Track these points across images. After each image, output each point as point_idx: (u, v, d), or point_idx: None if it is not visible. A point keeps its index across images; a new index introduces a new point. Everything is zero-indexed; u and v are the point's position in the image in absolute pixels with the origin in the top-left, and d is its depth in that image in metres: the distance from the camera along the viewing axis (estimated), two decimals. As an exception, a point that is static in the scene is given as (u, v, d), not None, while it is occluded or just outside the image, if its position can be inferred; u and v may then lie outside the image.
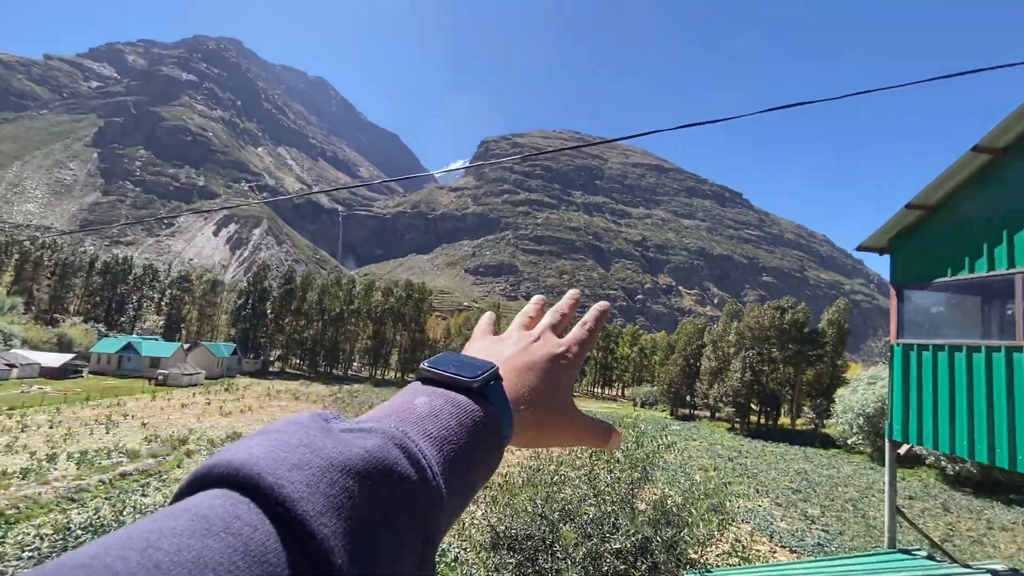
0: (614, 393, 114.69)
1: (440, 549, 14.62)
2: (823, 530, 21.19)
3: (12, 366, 50.80)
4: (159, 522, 0.27)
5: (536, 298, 0.80)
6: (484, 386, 0.48)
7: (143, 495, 19.11)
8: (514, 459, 29.45)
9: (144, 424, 33.24)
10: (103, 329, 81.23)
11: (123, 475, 21.58)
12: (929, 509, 27.25)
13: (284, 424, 0.35)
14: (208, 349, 71.62)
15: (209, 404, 44.58)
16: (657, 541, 8.15)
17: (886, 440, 9.02)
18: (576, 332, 0.71)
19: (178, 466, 23.85)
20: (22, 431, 28.36)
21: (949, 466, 33.95)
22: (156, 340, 72.92)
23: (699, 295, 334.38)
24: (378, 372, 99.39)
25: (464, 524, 10.18)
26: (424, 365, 0.51)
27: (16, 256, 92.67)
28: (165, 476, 22.02)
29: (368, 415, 0.41)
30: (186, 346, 73.73)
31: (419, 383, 0.49)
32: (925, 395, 8.21)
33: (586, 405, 79.71)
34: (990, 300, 8.20)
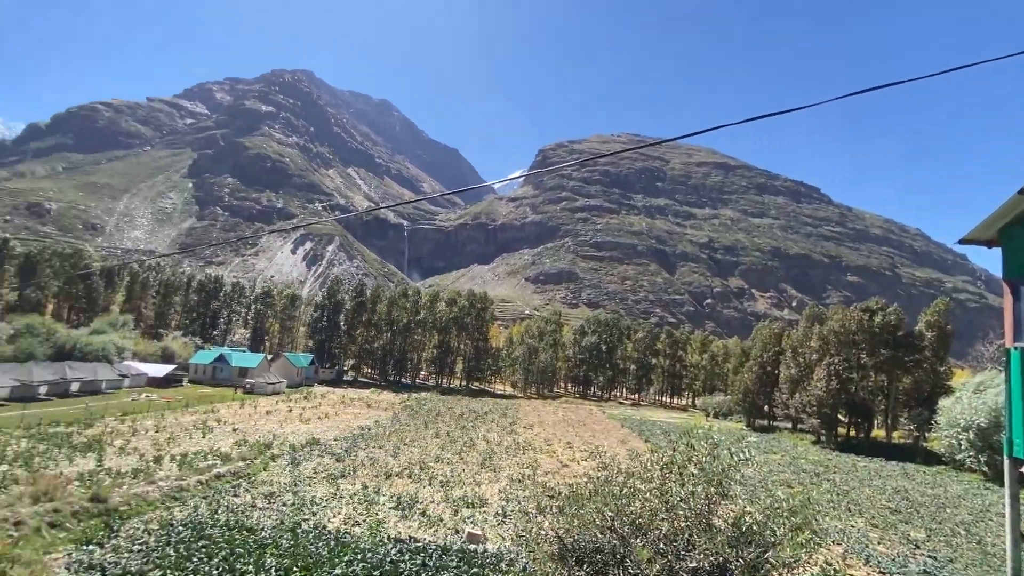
0: (683, 403, 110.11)
1: (508, 558, 14.59)
2: (930, 556, 19.05)
3: (124, 376, 56.84)
4: None
5: None
6: None
7: (234, 496, 20.60)
8: (581, 468, 28.87)
9: (235, 429, 35.94)
10: (199, 342, 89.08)
11: (217, 476, 23.38)
12: (1063, 537, 23.69)
13: None
14: (288, 360, 76.46)
15: (290, 411, 47.50)
16: (738, 562, 7.65)
17: (1005, 457, 7.97)
18: None
19: (264, 469, 25.51)
20: (133, 435, 31.56)
21: (1087, 488, 29.42)
22: (244, 351, 78.88)
23: (775, 298, 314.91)
24: (444, 380, 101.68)
25: (531, 533, 10.07)
26: None
27: (127, 278, 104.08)
28: (253, 478, 23.63)
29: None
30: (269, 357, 79.15)
31: None
32: (1054, 406, 7.18)
33: (654, 415, 77.23)
34: None
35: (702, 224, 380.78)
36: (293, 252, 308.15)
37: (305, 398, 59.72)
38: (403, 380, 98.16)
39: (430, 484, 24.49)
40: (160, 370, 62.42)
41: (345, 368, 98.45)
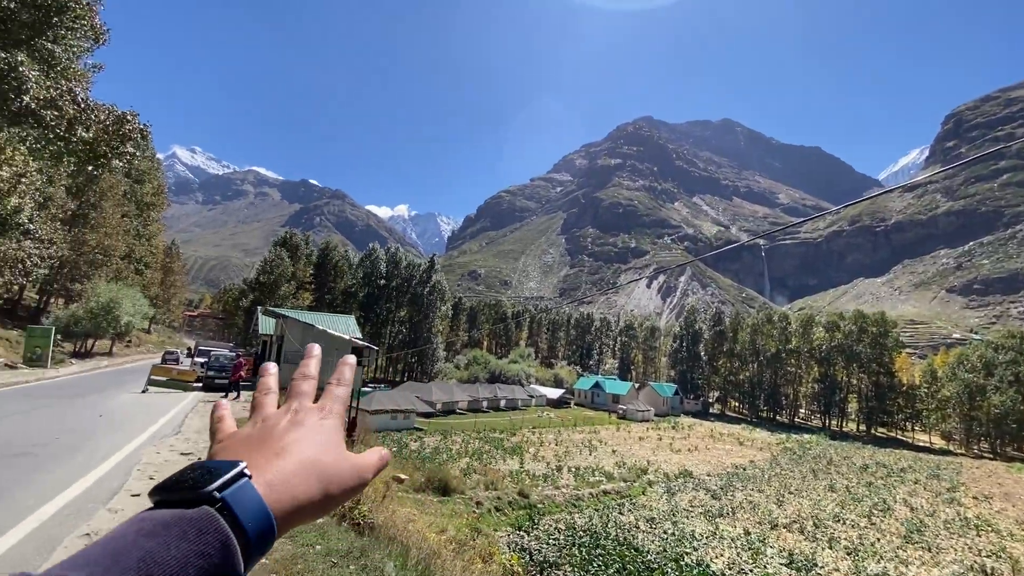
0: None
1: None
2: None
3: (532, 396, 71.59)
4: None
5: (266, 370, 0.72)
6: (213, 496, 0.41)
7: (620, 513, 22.38)
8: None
9: (613, 451, 39.59)
10: (579, 370, 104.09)
11: (604, 492, 26.05)
12: None
13: None
14: (654, 389, 79.86)
15: (660, 440, 49.00)
16: None
17: None
18: (329, 396, 0.66)
19: (642, 493, 26.86)
20: (540, 445, 38.95)
21: None
22: (614, 379, 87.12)
23: None
24: (831, 422, 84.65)
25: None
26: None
27: (528, 319, 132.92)
28: (634, 500, 25.19)
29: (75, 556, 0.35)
30: (636, 385, 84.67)
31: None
32: None
33: None
34: None
35: None
36: (648, 287, 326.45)
37: (673, 428, 60.57)
38: (777, 418, 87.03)
39: (830, 547, 20.31)
40: (554, 393, 75.74)
41: (710, 400, 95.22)
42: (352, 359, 0.68)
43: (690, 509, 24.12)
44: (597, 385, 79.12)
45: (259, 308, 38.84)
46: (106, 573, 0.33)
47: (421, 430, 41.86)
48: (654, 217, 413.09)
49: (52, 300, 39.00)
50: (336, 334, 28.28)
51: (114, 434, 10.40)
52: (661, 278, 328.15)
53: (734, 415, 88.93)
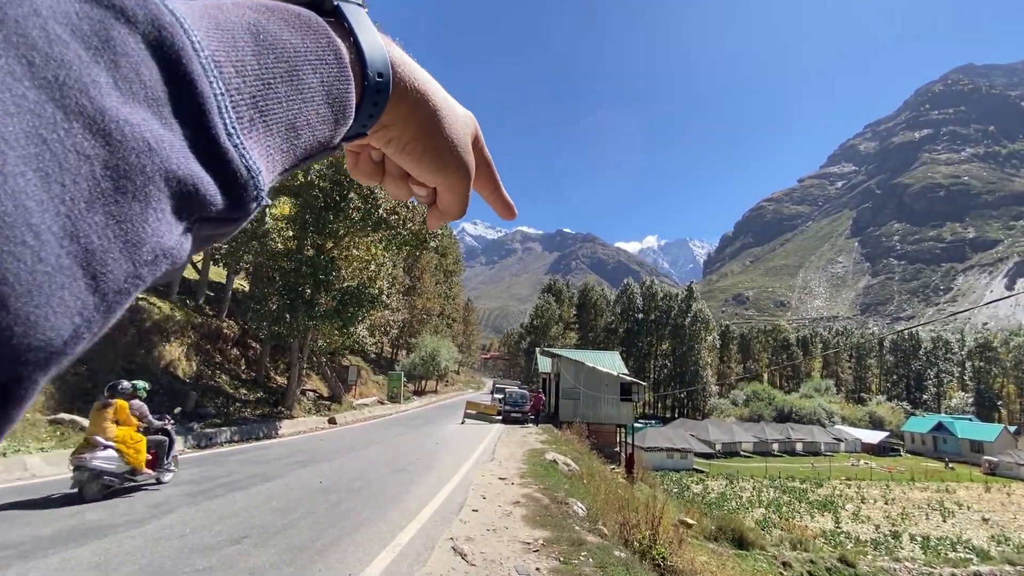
0: None
1: None
2: None
3: (839, 440, 58.92)
4: None
5: None
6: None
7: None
8: None
9: (984, 519, 28.99)
10: (907, 407, 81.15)
11: (976, 575, 19.21)
12: None
13: None
14: (1045, 433, 55.97)
15: (1072, 510, 33.63)
16: None
17: None
18: None
19: (1051, 587, 18.76)
20: (861, 502, 31.44)
21: None
22: (970, 420, 64.87)
23: None
24: None
25: None
26: None
27: (820, 345, 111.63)
28: (1036, 595, 17.78)
29: None
30: (1011, 428, 60.95)
31: None
32: None
33: None
34: None
35: None
36: (1009, 288, 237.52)
37: (1095, 494, 40.87)
38: None
39: None
40: (872, 436, 60.75)
41: None
42: None
43: None
44: (941, 427, 60.12)
45: (537, 349, 43.65)
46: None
47: (701, 472, 39.17)
48: (1001, 192, 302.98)
49: (398, 352, 52.19)
50: (604, 370, 29.40)
51: (449, 457, 13.08)
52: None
53: None
